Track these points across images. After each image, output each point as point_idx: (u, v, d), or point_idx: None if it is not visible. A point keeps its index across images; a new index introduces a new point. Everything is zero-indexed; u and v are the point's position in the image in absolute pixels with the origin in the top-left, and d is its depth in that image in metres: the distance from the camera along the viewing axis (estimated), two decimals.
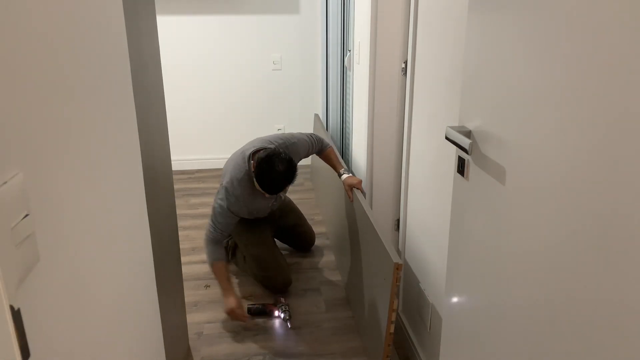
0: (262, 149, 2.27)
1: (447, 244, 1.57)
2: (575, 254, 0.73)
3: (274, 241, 2.63)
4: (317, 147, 2.50)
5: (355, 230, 2.31)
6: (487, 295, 1.02)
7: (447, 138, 1.08)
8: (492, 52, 0.95)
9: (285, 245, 2.88)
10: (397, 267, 1.64)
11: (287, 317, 2.22)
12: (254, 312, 2.27)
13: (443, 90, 1.56)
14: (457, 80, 1.43)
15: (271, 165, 2.13)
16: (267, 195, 2.25)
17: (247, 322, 2.20)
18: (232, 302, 2.17)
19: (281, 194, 2.36)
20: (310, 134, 2.52)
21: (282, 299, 2.33)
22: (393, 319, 1.69)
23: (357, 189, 2.34)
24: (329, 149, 2.53)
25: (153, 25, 1.58)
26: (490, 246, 0.99)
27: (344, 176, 2.42)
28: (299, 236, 2.81)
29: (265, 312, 2.27)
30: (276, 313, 2.25)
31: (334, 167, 2.51)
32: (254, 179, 2.19)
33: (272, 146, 2.30)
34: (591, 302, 0.70)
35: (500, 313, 0.96)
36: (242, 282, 2.58)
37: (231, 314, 2.18)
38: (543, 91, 0.79)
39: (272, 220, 2.63)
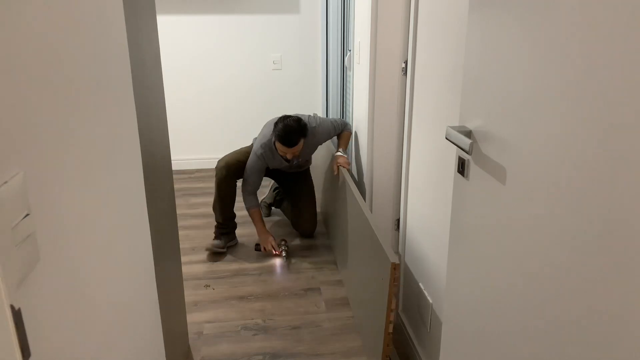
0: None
1: (447, 244, 1.57)
2: (575, 253, 0.73)
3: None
4: (339, 129, 2.89)
5: (354, 230, 2.31)
6: (487, 295, 1.02)
7: (447, 138, 1.08)
8: (493, 52, 0.95)
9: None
10: (395, 267, 1.64)
11: (285, 255, 2.81)
12: (260, 249, 2.89)
13: (443, 90, 1.56)
14: (457, 80, 1.43)
15: (284, 120, 2.68)
16: (285, 153, 2.67)
17: (279, 253, 2.80)
18: (268, 237, 2.81)
19: (296, 158, 2.84)
20: (335, 120, 2.90)
21: (285, 240, 2.90)
22: (391, 319, 1.69)
23: (343, 167, 2.71)
24: (346, 132, 2.89)
25: (153, 25, 1.58)
26: (491, 246, 0.99)
27: (338, 153, 2.79)
28: (298, 214, 3.07)
29: (275, 255, 2.84)
30: (282, 253, 2.82)
31: (338, 144, 2.87)
32: (274, 135, 2.68)
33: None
34: (591, 302, 0.70)
35: (500, 313, 0.97)
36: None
37: (267, 245, 2.79)
38: (543, 91, 0.79)
39: (288, 182, 3.13)
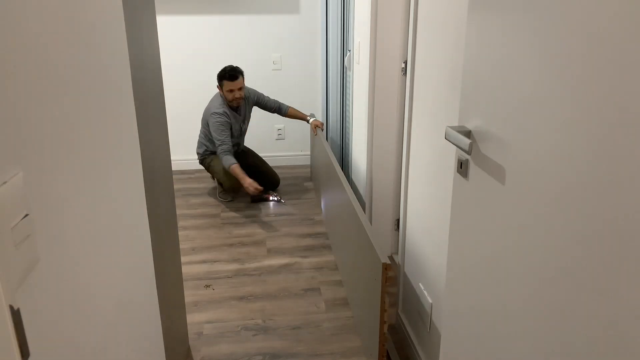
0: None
1: (447, 244, 1.57)
2: (575, 253, 0.73)
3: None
4: (273, 102, 3.70)
5: (349, 230, 2.31)
6: (487, 295, 1.02)
7: (446, 138, 1.08)
8: (492, 52, 0.95)
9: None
10: (386, 267, 1.64)
11: (279, 199, 3.57)
12: (257, 200, 3.53)
13: (443, 90, 1.56)
14: (457, 80, 1.43)
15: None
16: (233, 91, 3.37)
17: (260, 191, 3.29)
18: (249, 180, 3.25)
19: (242, 123, 3.61)
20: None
21: (273, 192, 3.63)
22: (386, 319, 1.69)
23: (319, 127, 3.57)
24: (290, 109, 3.74)
25: (153, 25, 1.58)
26: (490, 246, 0.99)
27: (311, 119, 3.68)
28: (262, 174, 3.67)
29: (263, 199, 3.55)
30: (271, 198, 3.58)
31: (302, 118, 3.73)
32: (219, 85, 3.43)
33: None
34: (591, 302, 0.70)
35: (500, 313, 0.97)
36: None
37: (250, 186, 3.23)
38: (543, 91, 0.79)
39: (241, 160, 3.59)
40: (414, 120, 1.88)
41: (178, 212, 3.41)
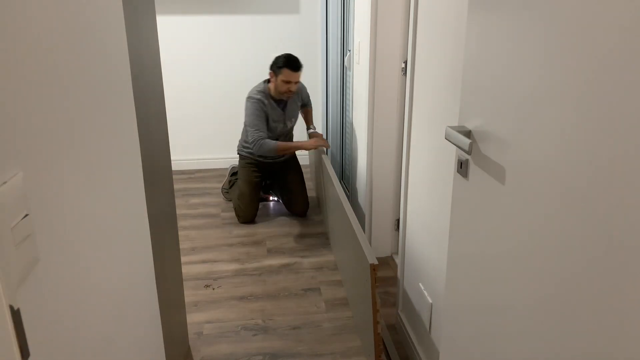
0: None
1: (447, 244, 1.57)
2: (575, 253, 0.73)
3: (260, 187, 3.32)
4: (308, 99, 3.40)
5: (341, 231, 2.32)
6: (487, 295, 1.02)
7: (446, 138, 1.08)
8: (492, 52, 0.95)
9: (285, 214, 3.40)
10: (374, 267, 1.64)
11: (279, 199, 3.51)
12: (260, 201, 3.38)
13: (443, 90, 1.56)
14: (457, 80, 1.43)
15: (281, 54, 3.04)
16: (290, 82, 2.98)
17: (329, 146, 3.14)
18: (311, 140, 3.09)
19: (287, 119, 3.17)
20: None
21: (271, 196, 3.55)
22: (378, 319, 1.69)
23: (322, 145, 3.17)
24: (308, 109, 3.44)
25: (153, 25, 1.58)
26: (490, 246, 0.99)
27: (311, 130, 3.35)
28: (291, 196, 3.31)
29: (263, 199, 3.50)
30: (271, 198, 3.55)
31: (308, 122, 3.44)
32: (274, 70, 3.01)
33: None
34: (591, 302, 0.70)
35: (500, 313, 0.97)
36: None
37: (319, 141, 3.06)
38: (543, 91, 0.79)
39: (275, 173, 3.34)
40: (414, 120, 1.88)
41: (178, 212, 3.41)
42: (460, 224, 1.15)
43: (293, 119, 3.23)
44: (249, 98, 3.05)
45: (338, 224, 2.51)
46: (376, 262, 1.64)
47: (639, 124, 0.60)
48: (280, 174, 3.32)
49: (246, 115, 3.04)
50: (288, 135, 3.28)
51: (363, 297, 1.90)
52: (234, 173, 3.56)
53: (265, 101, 3.03)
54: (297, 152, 4.28)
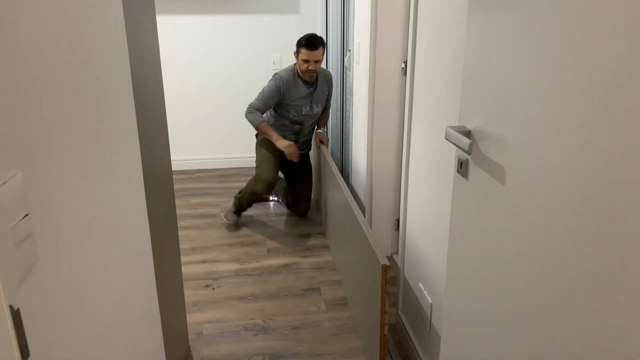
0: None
1: (447, 244, 1.57)
2: (575, 253, 0.73)
3: (279, 163, 3.18)
4: (329, 103, 3.30)
5: (347, 232, 2.31)
6: (487, 295, 1.02)
7: (446, 138, 1.08)
8: (492, 52, 0.95)
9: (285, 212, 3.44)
10: (385, 268, 1.63)
11: (279, 199, 3.52)
12: (257, 200, 3.27)
13: (443, 90, 1.56)
14: (457, 80, 1.43)
15: (304, 35, 3.01)
16: (309, 61, 2.95)
17: (298, 157, 3.07)
18: (286, 142, 3.00)
19: (313, 101, 3.12)
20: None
21: (271, 195, 3.55)
22: (386, 320, 1.69)
23: (323, 142, 3.25)
24: (324, 116, 3.34)
25: (153, 25, 1.58)
26: (490, 246, 0.99)
27: (318, 131, 3.32)
28: (296, 197, 3.31)
29: (263, 199, 3.43)
30: (271, 198, 3.56)
31: (323, 124, 3.37)
32: (296, 51, 3.02)
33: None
34: (591, 302, 0.70)
35: (500, 313, 0.97)
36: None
37: (289, 148, 2.98)
38: (543, 91, 0.79)
39: (289, 164, 3.25)
40: (414, 120, 1.88)
41: (178, 212, 3.41)
42: (460, 224, 1.14)
43: (320, 104, 3.16)
44: (274, 75, 3.09)
45: (342, 224, 2.51)
46: (388, 263, 1.64)
47: (639, 123, 0.60)
48: (293, 167, 3.26)
49: (262, 89, 3.07)
50: (314, 122, 3.24)
51: (367, 297, 1.90)
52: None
53: (291, 80, 3.02)
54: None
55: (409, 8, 1.91)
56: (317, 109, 3.16)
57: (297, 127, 3.16)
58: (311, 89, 3.08)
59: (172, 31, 3.96)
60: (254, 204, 3.29)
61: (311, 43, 2.93)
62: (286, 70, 3.08)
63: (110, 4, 0.96)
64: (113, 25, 0.97)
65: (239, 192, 3.18)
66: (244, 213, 3.27)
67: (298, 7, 4.03)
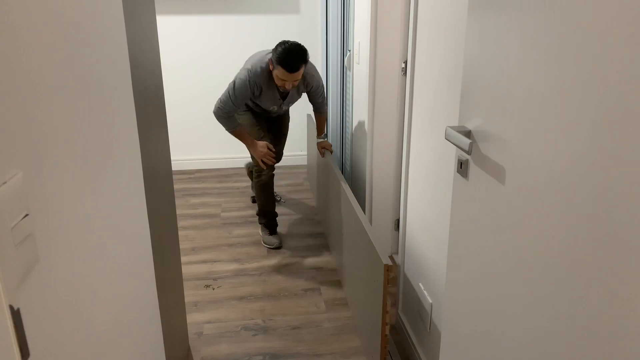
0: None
1: (447, 244, 1.57)
2: (575, 253, 0.73)
3: (266, 125, 2.97)
4: (322, 98, 2.93)
5: (349, 231, 2.31)
6: (487, 295, 1.02)
7: (446, 138, 1.08)
8: (492, 52, 0.95)
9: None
10: (388, 268, 1.63)
11: (280, 199, 3.56)
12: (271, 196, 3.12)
13: (443, 90, 1.56)
14: (457, 80, 1.43)
15: (286, 43, 2.57)
16: (285, 82, 2.56)
17: (273, 161, 2.79)
18: (262, 144, 2.75)
19: (284, 105, 2.84)
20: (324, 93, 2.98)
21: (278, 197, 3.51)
22: (387, 320, 1.68)
23: (327, 149, 3.01)
24: (324, 115, 3.05)
25: (153, 25, 1.58)
26: (490, 246, 0.99)
27: (319, 140, 3.06)
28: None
29: (275, 197, 3.20)
30: (279, 199, 3.51)
31: (320, 129, 3.07)
32: (272, 59, 2.56)
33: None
34: (591, 302, 0.70)
35: (500, 313, 0.97)
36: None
37: (263, 150, 2.74)
38: (543, 91, 0.79)
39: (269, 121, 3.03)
40: (414, 120, 1.88)
41: (178, 212, 3.41)
42: (460, 224, 1.15)
43: (290, 104, 2.94)
44: (247, 70, 2.63)
45: (343, 224, 2.51)
46: (390, 263, 1.64)
47: (639, 123, 0.60)
48: (274, 122, 3.08)
49: (233, 84, 2.63)
50: (284, 114, 3.10)
51: (368, 297, 1.90)
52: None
53: (265, 83, 2.65)
54: (300, 152, 4.31)
55: (409, 8, 1.91)
56: (286, 107, 2.95)
57: (265, 113, 2.96)
58: (284, 94, 2.80)
59: (172, 31, 3.96)
60: (255, 203, 3.22)
61: (290, 65, 2.48)
62: (262, 68, 2.63)
63: (110, 4, 0.96)
64: (113, 25, 0.97)
65: (252, 200, 3.25)
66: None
67: (298, 7, 4.03)
